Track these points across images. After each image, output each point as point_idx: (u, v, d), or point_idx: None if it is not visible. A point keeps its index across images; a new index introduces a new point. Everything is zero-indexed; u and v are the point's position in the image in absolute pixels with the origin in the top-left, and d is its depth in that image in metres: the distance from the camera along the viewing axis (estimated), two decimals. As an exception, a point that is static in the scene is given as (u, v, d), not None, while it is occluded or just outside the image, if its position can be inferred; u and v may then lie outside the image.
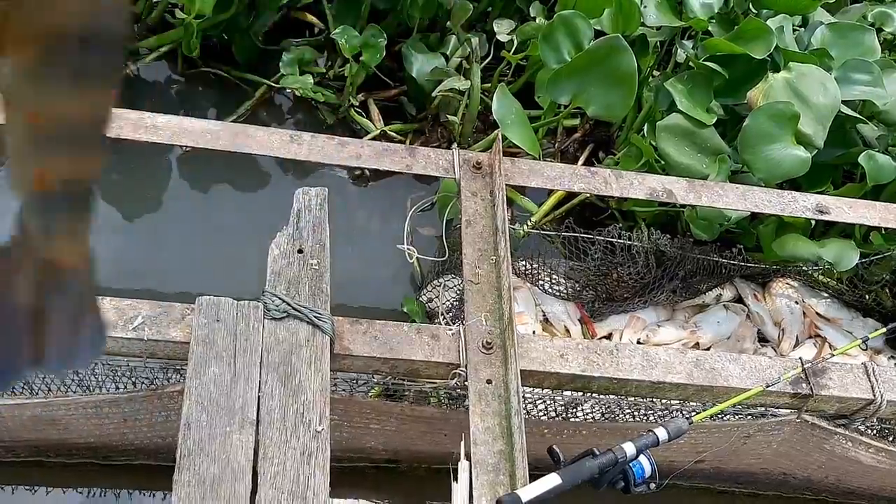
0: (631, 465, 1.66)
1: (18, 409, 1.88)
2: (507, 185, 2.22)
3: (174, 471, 1.52)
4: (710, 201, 2.43)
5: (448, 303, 2.53)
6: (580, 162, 3.19)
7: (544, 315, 2.66)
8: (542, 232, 2.63)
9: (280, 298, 1.77)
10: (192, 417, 1.58)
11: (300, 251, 1.89)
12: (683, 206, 2.62)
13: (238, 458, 1.53)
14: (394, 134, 3.04)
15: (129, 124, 2.11)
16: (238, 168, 2.85)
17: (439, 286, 2.59)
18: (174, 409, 1.91)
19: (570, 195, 2.94)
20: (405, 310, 2.61)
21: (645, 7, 2.87)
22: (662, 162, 2.75)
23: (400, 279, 2.81)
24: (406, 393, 2.08)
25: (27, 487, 2.19)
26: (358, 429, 2.09)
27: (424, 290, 2.66)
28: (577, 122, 3.27)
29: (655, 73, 3.23)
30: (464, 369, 1.83)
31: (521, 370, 1.80)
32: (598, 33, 2.77)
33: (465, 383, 1.83)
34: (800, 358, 2.16)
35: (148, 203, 2.77)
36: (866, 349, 2.60)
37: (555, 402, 2.10)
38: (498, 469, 1.67)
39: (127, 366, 1.80)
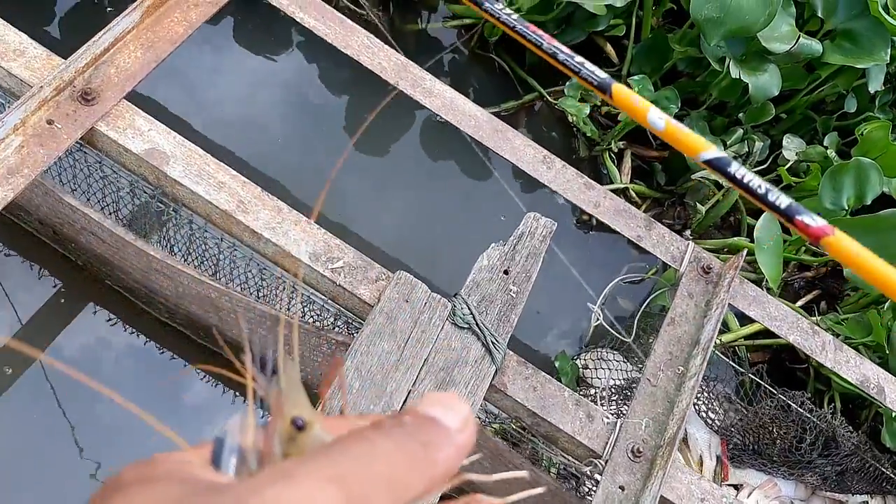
0: None
1: (198, 285, 1.96)
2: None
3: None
4: (920, 418, 2.20)
5: (606, 381, 2.44)
6: (800, 302, 2.99)
7: (685, 435, 2.52)
8: (730, 362, 2.46)
9: (469, 309, 1.75)
10: (346, 378, 1.59)
11: (506, 272, 1.86)
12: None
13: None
14: (634, 194, 2.94)
15: (410, 79, 2.13)
16: (476, 160, 2.85)
17: (601, 360, 2.49)
18: (322, 353, 1.95)
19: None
20: (556, 364, 2.53)
21: (943, 193, 2.65)
22: (887, 349, 2.53)
23: (569, 333, 2.73)
24: (522, 445, 2.02)
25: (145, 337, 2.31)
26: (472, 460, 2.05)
27: (584, 356, 2.56)
28: (815, 261, 3.07)
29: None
30: (602, 463, 1.75)
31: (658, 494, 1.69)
32: (883, 195, 2.59)
33: (597, 475, 1.75)
34: None
35: (386, 153, 2.82)
36: None
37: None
38: (593, 579, 1.59)
39: (308, 298, 1.84)
